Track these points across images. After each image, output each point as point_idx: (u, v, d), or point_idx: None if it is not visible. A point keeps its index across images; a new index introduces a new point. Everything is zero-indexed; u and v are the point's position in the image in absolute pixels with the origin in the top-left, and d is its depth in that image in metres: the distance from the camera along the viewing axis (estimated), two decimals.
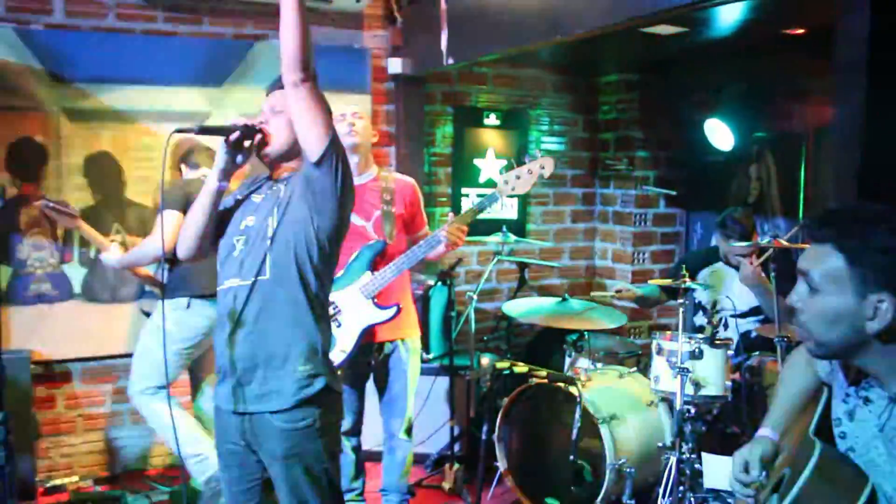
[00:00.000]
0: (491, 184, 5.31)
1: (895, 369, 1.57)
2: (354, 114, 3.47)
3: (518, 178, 3.43)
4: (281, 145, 2.43)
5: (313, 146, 2.28)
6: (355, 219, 3.40)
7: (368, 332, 3.36)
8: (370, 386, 3.60)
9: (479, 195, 5.26)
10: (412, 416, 3.60)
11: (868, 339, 1.55)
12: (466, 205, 5.26)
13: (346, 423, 3.49)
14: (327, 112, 2.30)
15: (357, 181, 3.37)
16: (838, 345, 1.58)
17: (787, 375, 1.99)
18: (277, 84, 2.42)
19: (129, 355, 3.77)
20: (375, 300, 3.36)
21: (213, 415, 2.51)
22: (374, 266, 3.37)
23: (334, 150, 2.29)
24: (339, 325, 3.33)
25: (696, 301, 4.32)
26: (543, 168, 3.43)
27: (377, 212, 3.47)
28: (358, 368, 3.48)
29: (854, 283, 1.54)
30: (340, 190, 2.33)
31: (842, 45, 2.52)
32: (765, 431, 1.91)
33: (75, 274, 4.25)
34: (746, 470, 1.85)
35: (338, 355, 3.30)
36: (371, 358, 3.47)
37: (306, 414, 2.33)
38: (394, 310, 3.37)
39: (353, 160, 3.34)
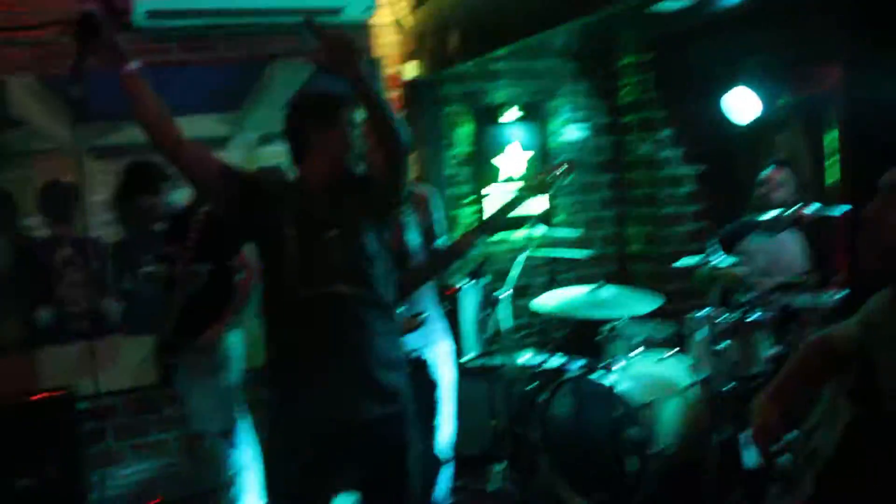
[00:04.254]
0: (514, 180, 5.31)
1: None
2: None
3: (539, 181, 3.47)
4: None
5: (396, 197, 2.54)
6: None
7: None
8: None
9: (502, 191, 5.27)
10: (451, 422, 3.59)
11: None
12: (491, 202, 5.25)
13: None
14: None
15: None
16: None
17: (796, 357, 2.00)
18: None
19: (162, 386, 3.85)
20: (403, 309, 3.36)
21: (289, 430, 2.52)
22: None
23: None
24: None
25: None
26: (563, 169, 3.45)
27: (398, 222, 3.47)
28: None
29: None
30: None
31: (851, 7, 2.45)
32: (761, 398, 1.94)
33: (112, 308, 4.35)
34: (771, 433, 1.83)
35: None
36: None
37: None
38: (421, 318, 3.37)
39: None
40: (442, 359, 3.54)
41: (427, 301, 3.50)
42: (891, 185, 1.60)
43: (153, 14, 4.21)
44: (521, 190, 3.50)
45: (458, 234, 4.86)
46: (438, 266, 3.44)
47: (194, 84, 4.47)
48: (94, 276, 4.34)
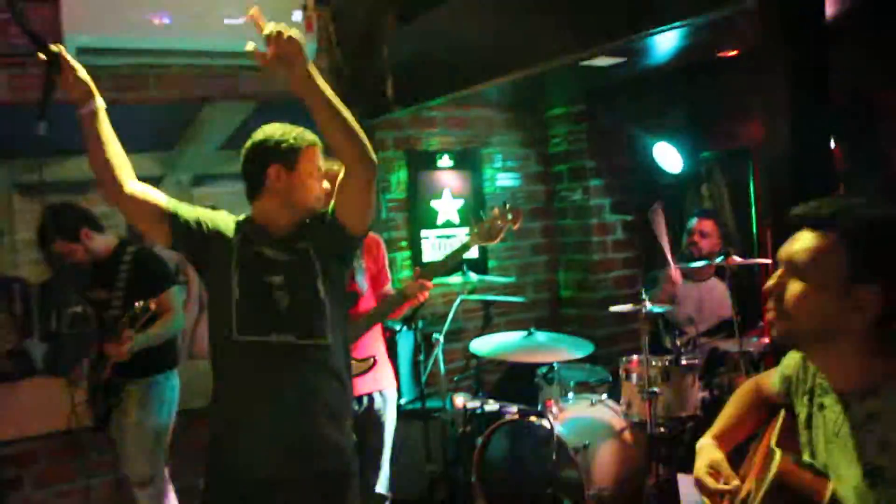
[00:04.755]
0: (449, 224, 5.37)
1: (859, 367, 1.57)
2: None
3: (489, 229, 3.48)
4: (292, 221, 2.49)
5: (363, 226, 2.44)
6: None
7: None
8: None
9: (437, 236, 5.32)
10: (388, 468, 3.57)
11: (844, 331, 1.53)
12: (426, 247, 5.29)
13: None
14: None
15: None
16: (813, 333, 1.56)
17: (734, 399, 2.05)
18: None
19: (96, 429, 3.71)
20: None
21: (222, 480, 2.44)
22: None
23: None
24: None
25: (665, 319, 4.36)
26: (512, 219, 3.49)
27: (353, 266, 3.46)
28: None
29: (845, 274, 1.50)
30: None
31: (764, 66, 2.61)
32: (704, 440, 1.97)
33: (36, 350, 4.19)
34: (715, 475, 1.88)
35: None
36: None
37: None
38: (370, 362, 3.37)
39: None
40: (389, 402, 3.52)
41: (376, 345, 3.50)
42: (787, 258, 1.58)
43: (84, 51, 4.13)
44: (469, 236, 3.53)
45: (396, 277, 4.88)
46: (388, 311, 3.43)
47: (127, 123, 4.31)
48: (18, 317, 4.18)
